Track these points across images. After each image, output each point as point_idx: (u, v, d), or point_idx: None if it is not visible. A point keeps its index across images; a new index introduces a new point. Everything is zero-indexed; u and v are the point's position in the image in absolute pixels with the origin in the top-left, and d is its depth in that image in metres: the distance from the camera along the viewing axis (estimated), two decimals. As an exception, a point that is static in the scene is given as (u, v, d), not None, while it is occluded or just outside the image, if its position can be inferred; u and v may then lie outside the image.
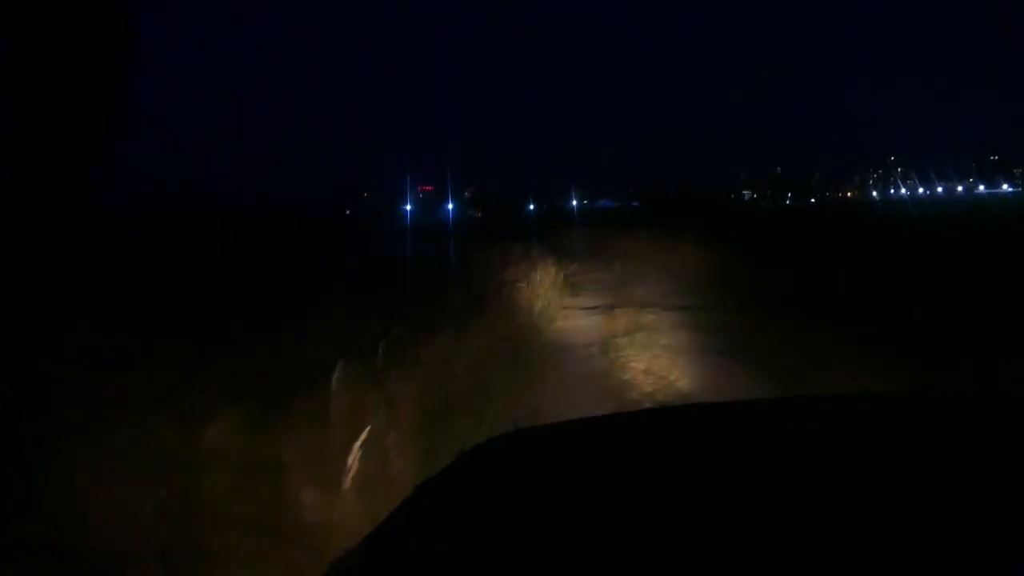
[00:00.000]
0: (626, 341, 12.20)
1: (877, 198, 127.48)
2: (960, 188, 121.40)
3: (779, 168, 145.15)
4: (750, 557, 1.22)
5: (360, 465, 6.70)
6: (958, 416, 1.99)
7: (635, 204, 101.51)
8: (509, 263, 13.01)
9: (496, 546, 1.37)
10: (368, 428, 6.96)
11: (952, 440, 1.71)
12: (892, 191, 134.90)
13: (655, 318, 12.69)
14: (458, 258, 12.87)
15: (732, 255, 16.28)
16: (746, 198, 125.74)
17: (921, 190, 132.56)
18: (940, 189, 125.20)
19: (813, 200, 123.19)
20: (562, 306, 13.26)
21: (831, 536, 1.26)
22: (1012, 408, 2.06)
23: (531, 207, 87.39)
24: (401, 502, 1.76)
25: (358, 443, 6.87)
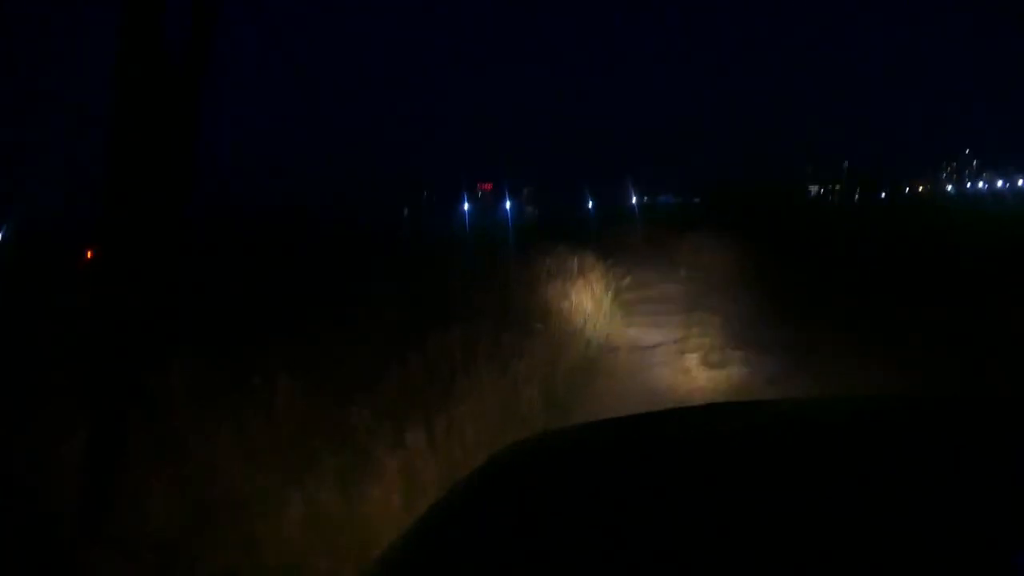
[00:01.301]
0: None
1: (952, 192, 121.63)
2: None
3: (847, 162, 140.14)
4: (779, 561, 1.17)
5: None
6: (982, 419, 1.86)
7: (696, 200, 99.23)
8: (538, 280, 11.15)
9: (527, 548, 1.33)
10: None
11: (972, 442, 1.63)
12: (968, 184, 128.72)
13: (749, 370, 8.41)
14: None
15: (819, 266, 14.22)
16: (812, 194, 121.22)
17: (1000, 183, 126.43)
18: (1021, 182, 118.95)
19: (884, 195, 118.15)
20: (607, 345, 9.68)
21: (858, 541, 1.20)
22: None
23: (590, 204, 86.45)
24: (431, 504, 1.75)
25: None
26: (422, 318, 8.08)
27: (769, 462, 1.58)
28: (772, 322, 9.92)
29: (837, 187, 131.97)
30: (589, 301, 8.77)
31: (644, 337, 9.72)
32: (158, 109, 5.14)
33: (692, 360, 8.95)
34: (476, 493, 1.72)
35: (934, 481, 1.42)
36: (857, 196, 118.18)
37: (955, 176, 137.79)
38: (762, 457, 1.62)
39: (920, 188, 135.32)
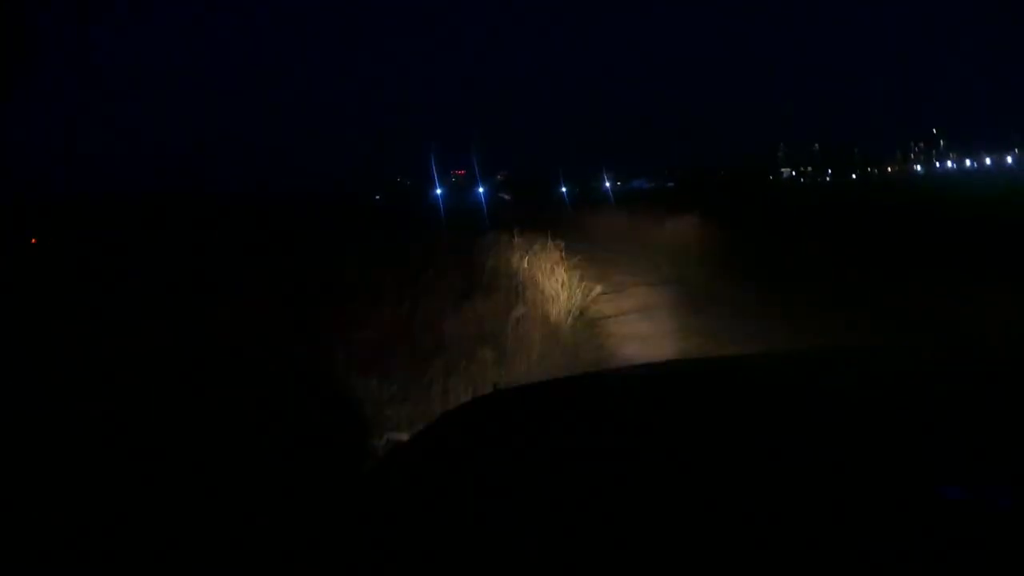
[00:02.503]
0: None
1: (921, 172, 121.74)
2: (1010, 159, 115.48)
3: (817, 144, 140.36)
4: (737, 518, 1.12)
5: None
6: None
7: (670, 184, 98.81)
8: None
9: (475, 510, 1.28)
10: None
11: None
12: (937, 164, 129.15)
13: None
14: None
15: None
16: (785, 176, 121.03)
17: (968, 162, 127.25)
18: (988, 161, 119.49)
19: (854, 176, 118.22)
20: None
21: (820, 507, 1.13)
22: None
23: (563, 189, 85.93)
24: (376, 464, 1.85)
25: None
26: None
27: (716, 417, 1.56)
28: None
29: (809, 169, 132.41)
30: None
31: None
32: None
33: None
34: (427, 451, 1.65)
35: (863, 421, 1.42)
36: (829, 177, 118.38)
37: (923, 157, 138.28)
38: (707, 413, 1.61)
39: (889, 169, 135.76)
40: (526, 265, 8.57)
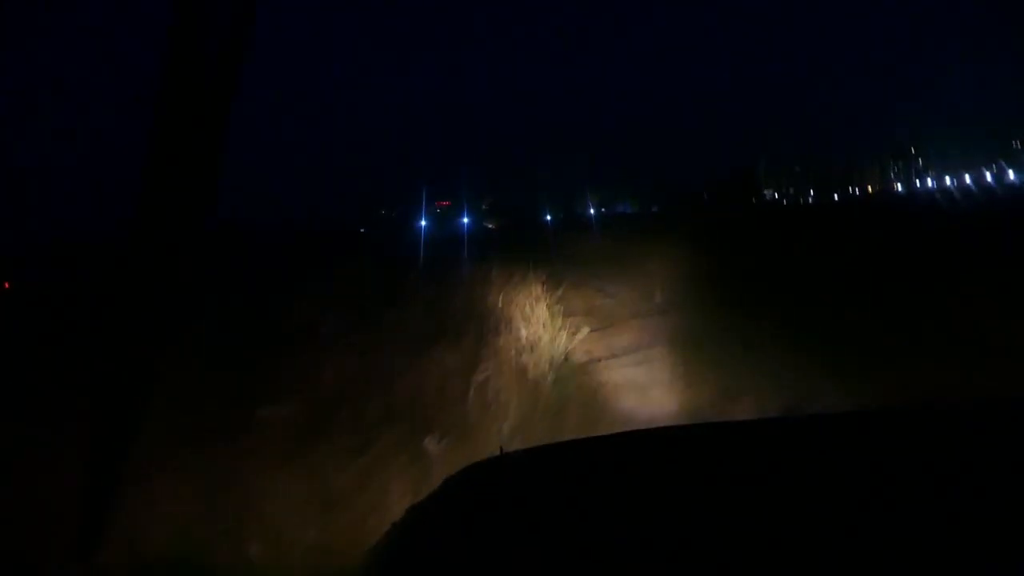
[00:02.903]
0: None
1: (902, 191, 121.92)
2: (989, 177, 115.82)
3: (798, 167, 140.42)
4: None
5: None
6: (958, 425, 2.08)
7: (654, 209, 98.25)
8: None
9: (483, 569, 1.54)
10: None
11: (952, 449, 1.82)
12: (917, 183, 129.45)
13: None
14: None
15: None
16: (767, 197, 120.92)
17: (948, 181, 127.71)
18: (968, 179, 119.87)
19: (836, 197, 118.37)
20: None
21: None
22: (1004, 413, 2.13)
23: (547, 217, 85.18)
24: (391, 526, 1.92)
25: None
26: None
27: (722, 483, 1.71)
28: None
29: (791, 190, 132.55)
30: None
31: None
32: (192, 123, 5.12)
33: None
34: (432, 516, 1.93)
35: (913, 495, 1.54)
36: (811, 199, 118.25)
37: (902, 175, 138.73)
38: (713, 478, 1.73)
39: (869, 188, 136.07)
40: (500, 304, 7.49)
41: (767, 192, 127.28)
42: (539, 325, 7.56)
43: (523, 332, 7.07)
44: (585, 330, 8.43)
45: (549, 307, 8.53)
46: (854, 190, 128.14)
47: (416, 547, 1.70)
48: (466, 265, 12.13)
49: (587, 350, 8.25)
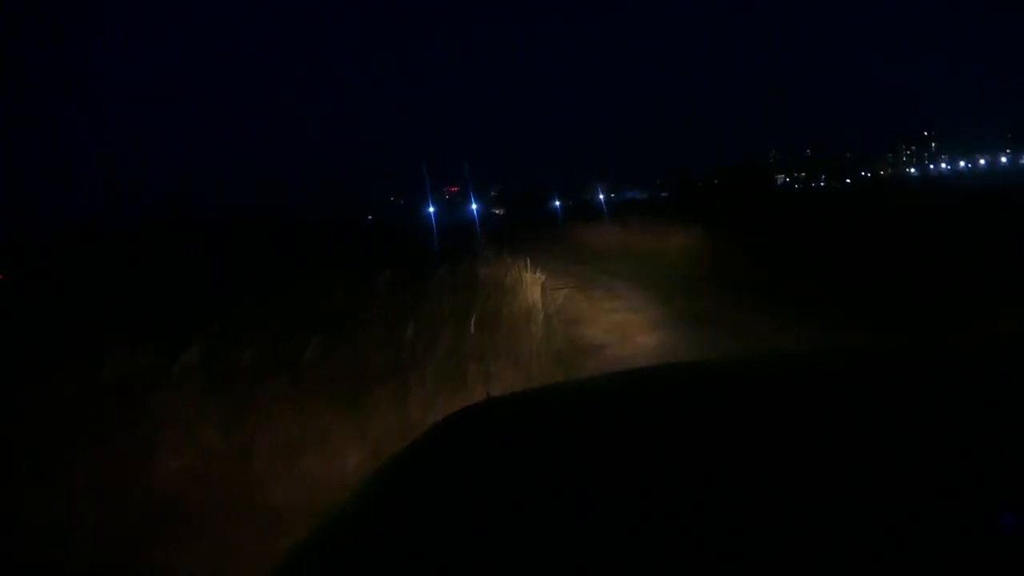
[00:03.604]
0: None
1: (916, 174, 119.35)
2: (1004, 159, 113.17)
3: (809, 150, 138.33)
4: (735, 523, 1.10)
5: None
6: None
7: (664, 195, 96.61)
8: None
9: (470, 519, 1.28)
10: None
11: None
12: (931, 166, 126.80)
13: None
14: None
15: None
16: (779, 183, 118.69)
17: (963, 164, 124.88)
18: (983, 162, 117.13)
19: (848, 181, 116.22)
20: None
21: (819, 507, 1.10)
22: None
23: (556, 203, 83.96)
24: (370, 474, 1.66)
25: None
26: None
27: (711, 422, 1.51)
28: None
29: (803, 175, 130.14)
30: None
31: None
32: None
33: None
34: (417, 461, 1.64)
35: (904, 437, 1.32)
36: (823, 183, 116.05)
37: (915, 159, 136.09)
38: (719, 416, 1.54)
39: (881, 172, 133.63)
40: (473, 330, 5.91)
41: (780, 177, 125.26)
42: (532, 343, 6.26)
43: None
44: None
45: (542, 327, 7.06)
46: (866, 174, 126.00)
47: (400, 491, 1.37)
48: (465, 260, 10.60)
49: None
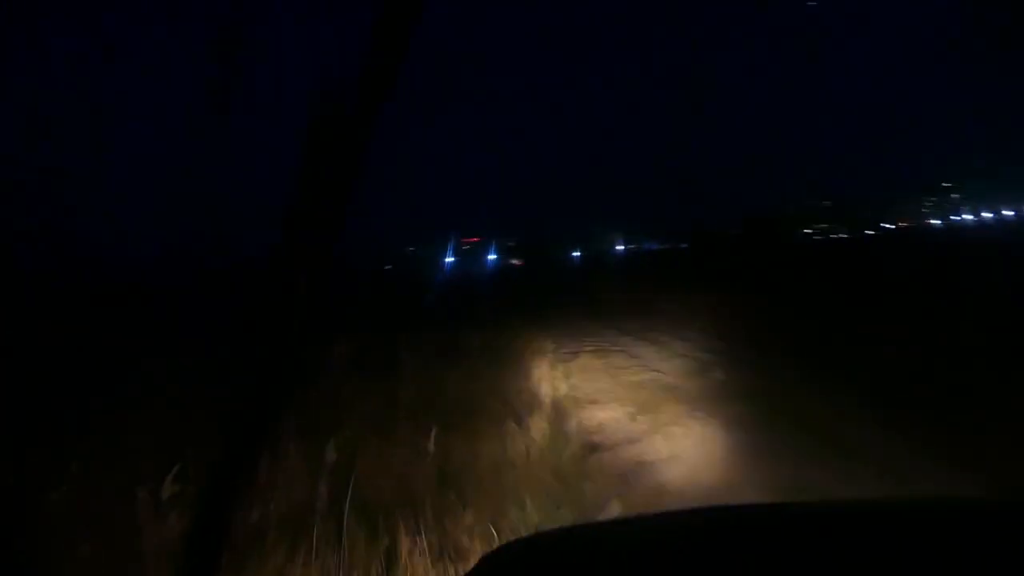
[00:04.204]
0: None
1: (940, 225, 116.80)
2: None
3: (827, 202, 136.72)
4: None
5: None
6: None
7: (683, 246, 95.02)
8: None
9: None
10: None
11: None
12: (953, 217, 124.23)
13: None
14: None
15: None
16: (797, 235, 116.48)
17: (987, 214, 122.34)
18: (1008, 212, 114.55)
19: (869, 232, 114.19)
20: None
21: None
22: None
23: (575, 253, 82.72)
24: None
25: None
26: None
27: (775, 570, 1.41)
28: None
29: (822, 226, 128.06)
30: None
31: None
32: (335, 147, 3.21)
33: None
34: None
35: None
36: (843, 234, 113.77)
37: (936, 210, 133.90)
38: (769, 565, 1.43)
39: (902, 223, 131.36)
40: (433, 445, 3.99)
41: (797, 230, 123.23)
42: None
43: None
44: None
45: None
46: (887, 225, 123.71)
47: None
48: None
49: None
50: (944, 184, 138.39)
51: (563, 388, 6.02)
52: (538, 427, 4.57)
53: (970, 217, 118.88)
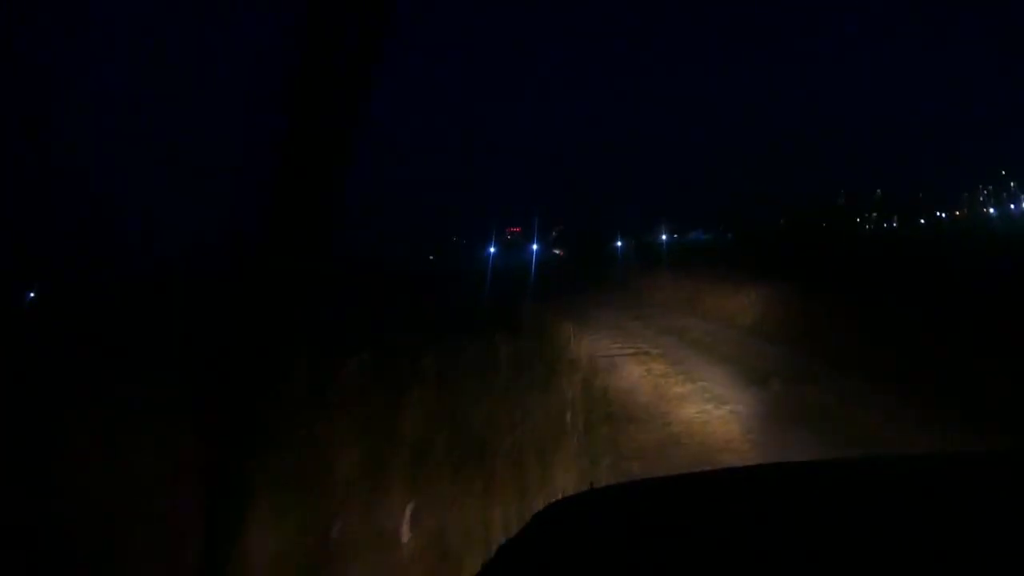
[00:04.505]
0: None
1: (995, 214, 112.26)
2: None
3: (879, 190, 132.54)
4: None
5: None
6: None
7: (729, 236, 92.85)
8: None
9: None
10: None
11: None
12: (1012, 206, 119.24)
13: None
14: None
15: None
16: (848, 224, 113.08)
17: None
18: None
19: (923, 221, 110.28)
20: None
21: None
22: None
23: (618, 243, 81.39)
24: (483, 565, 1.69)
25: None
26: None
27: (824, 525, 1.48)
28: None
29: (874, 215, 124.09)
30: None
31: None
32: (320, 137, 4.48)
33: None
34: (527, 553, 1.66)
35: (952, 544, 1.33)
36: (895, 224, 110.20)
37: (992, 199, 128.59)
38: (818, 520, 1.51)
39: (957, 213, 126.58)
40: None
41: (849, 219, 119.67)
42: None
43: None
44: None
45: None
46: (941, 215, 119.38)
47: None
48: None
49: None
50: (1003, 171, 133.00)
51: (599, 399, 5.51)
52: (569, 457, 4.09)
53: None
